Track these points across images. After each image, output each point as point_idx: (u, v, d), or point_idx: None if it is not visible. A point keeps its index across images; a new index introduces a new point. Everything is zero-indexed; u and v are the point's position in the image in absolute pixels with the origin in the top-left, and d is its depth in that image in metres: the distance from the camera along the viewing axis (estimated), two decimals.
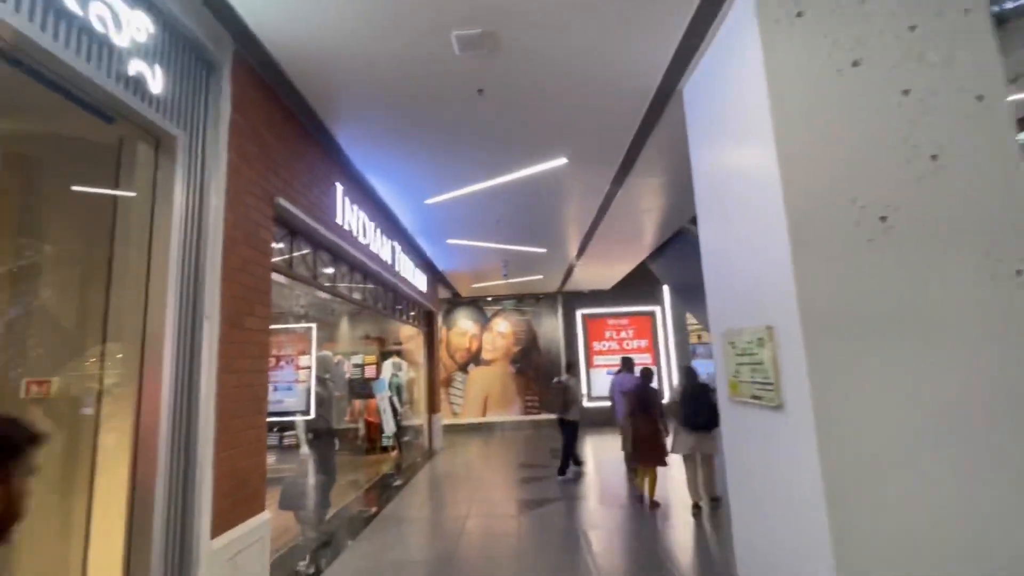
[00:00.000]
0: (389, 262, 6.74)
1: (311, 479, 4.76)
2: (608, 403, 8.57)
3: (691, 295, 7.82)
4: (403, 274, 7.53)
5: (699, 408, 5.11)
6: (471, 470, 7.97)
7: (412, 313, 9.19)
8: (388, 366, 9.58)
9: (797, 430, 2.30)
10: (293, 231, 4.18)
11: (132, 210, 2.59)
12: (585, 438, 10.71)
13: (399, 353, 10.40)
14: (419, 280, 8.81)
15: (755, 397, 2.67)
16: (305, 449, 4.75)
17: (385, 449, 8.66)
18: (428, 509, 5.92)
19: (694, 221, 8.08)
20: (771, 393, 2.49)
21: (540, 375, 13.37)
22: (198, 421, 2.66)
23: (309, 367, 10.02)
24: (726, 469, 3.16)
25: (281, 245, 4.11)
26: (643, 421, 5.70)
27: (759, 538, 2.78)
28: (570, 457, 7.32)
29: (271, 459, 7.34)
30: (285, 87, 3.67)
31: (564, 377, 7.79)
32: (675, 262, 8.48)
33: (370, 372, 10.13)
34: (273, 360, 9.81)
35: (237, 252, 3.09)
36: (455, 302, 13.64)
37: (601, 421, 12.35)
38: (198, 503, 2.60)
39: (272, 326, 7.47)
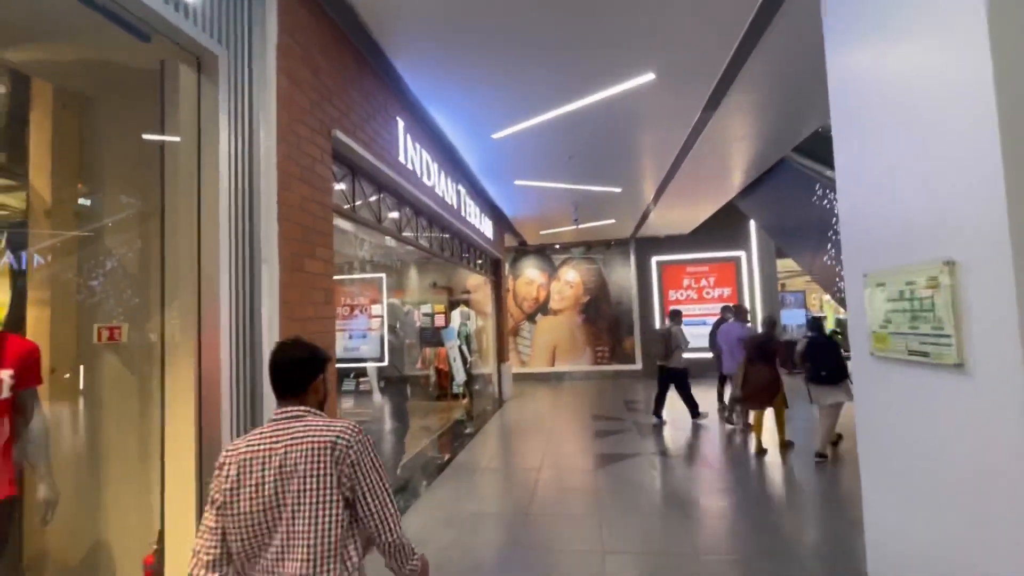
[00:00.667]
0: (455, 206, 6.44)
1: (386, 425, 4.75)
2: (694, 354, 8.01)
3: (790, 236, 6.93)
4: (469, 219, 7.23)
5: (824, 361, 4.94)
6: (542, 420, 7.86)
7: (479, 261, 8.97)
8: (456, 315, 9.53)
9: (988, 397, 1.75)
10: (353, 169, 3.92)
11: (179, 140, 2.38)
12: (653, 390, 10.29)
13: (467, 302, 10.32)
14: (485, 226, 8.50)
15: (916, 353, 2.11)
16: (378, 396, 4.72)
17: (456, 396, 8.74)
18: (500, 459, 5.84)
19: (798, 150, 7.10)
20: (947, 348, 1.92)
21: (610, 325, 12.93)
22: (262, 371, 2.53)
23: (381, 316, 10.25)
24: (858, 441, 2.64)
25: (343, 187, 3.88)
26: (761, 369, 5.63)
27: (911, 534, 2.28)
28: (663, 402, 7.39)
29: (347, 404, 7.65)
30: (336, 4, 3.29)
31: (667, 324, 7.44)
32: (772, 199, 7.52)
33: (439, 321, 10.17)
34: (348, 309, 10.11)
35: (293, 188, 2.86)
36: (522, 250, 13.31)
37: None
38: None
39: (341, 276, 7.56)
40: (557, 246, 13.18)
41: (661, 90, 4.57)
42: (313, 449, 1.34)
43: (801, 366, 5.23)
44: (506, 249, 12.71)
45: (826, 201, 5.68)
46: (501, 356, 10.01)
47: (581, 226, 10.23)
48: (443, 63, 4.11)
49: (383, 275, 8.30)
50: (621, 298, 13.00)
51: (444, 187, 5.95)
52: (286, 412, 1.43)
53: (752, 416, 5.86)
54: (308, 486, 1.32)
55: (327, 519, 1.32)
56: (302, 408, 1.44)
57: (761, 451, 5.58)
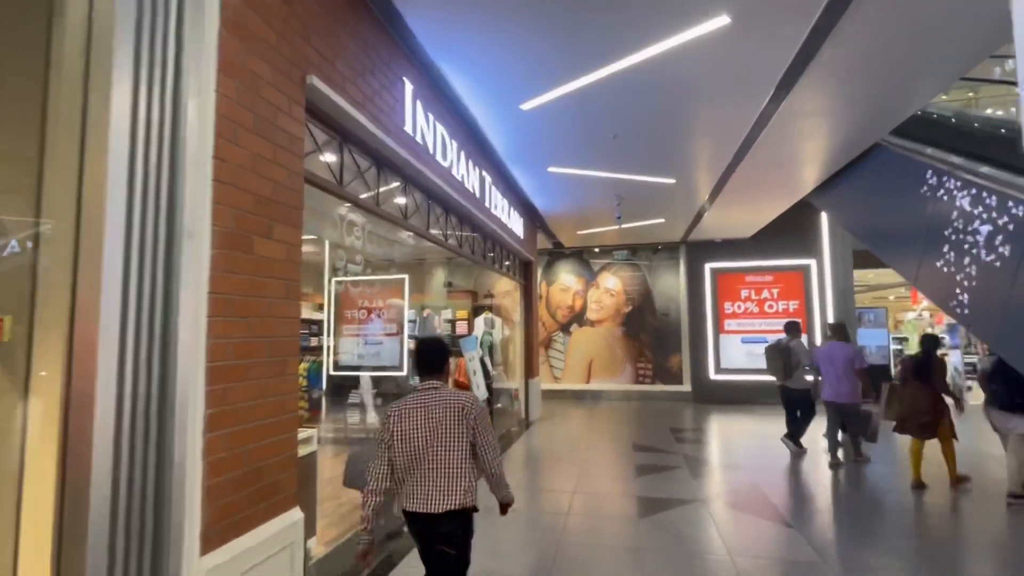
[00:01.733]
0: (477, 195, 5.76)
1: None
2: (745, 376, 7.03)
3: (887, 238, 5.91)
4: (495, 212, 6.55)
5: (1014, 385, 4.54)
6: (573, 447, 7.03)
7: (507, 262, 8.27)
8: (479, 323, 8.84)
9: None
10: (343, 134, 3.29)
11: (64, 57, 1.77)
12: (711, 415, 9.28)
13: (492, 308, 9.63)
14: (515, 223, 7.80)
15: None
16: (372, 415, 4.06)
17: None
18: (521, 497, 5.06)
19: (897, 132, 6.04)
20: None
21: (655, 340, 11.96)
22: (174, 385, 1.88)
23: (399, 320, 9.66)
24: None
25: (331, 158, 3.26)
26: (918, 391, 5.18)
27: None
28: (802, 428, 6.63)
29: (343, 422, 7.06)
30: None
31: (784, 338, 6.74)
32: (862, 193, 6.50)
33: (462, 328, 9.52)
34: (365, 312, 9.57)
35: (242, 143, 2.22)
36: (557, 253, 12.54)
37: (733, 397, 10.76)
38: (174, 507, 1.84)
39: (360, 277, 6.99)
40: (597, 249, 12.35)
41: (735, 40, 3.75)
42: (450, 408, 2.27)
43: (985, 389, 4.91)
44: (539, 251, 11.99)
45: (942, 192, 4.68)
46: (529, 370, 9.25)
47: (624, 226, 9.38)
48: (461, 9, 3.44)
49: (405, 276, 7.74)
50: (668, 309, 12.03)
51: (464, 171, 5.29)
52: (430, 384, 2.36)
53: (909, 444, 5.35)
54: (448, 431, 2.24)
55: (460, 451, 2.24)
56: (439, 382, 2.38)
57: (919, 485, 5.10)
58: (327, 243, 8.81)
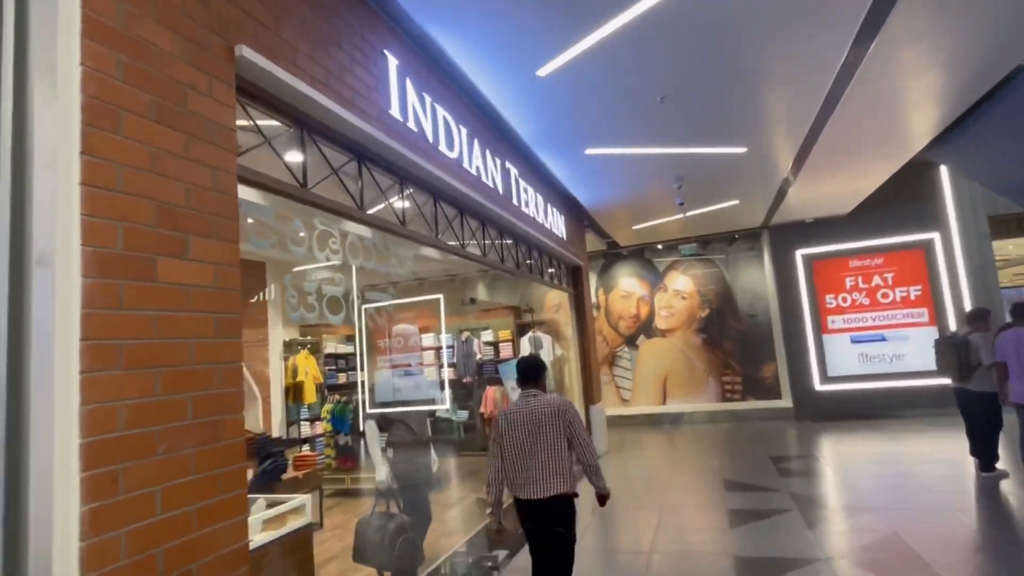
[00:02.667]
0: (500, 190, 5.26)
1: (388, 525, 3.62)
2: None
3: None
4: (526, 210, 6.02)
5: None
6: (649, 488, 6.29)
7: (550, 270, 7.70)
8: (524, 343, 8.30)
9: None
10: (300, 121, 2.87)
11: None
12: (821, 437, 8.22)
13: (537, 325, 9.06)
14: (555, 222, 7.25)
15: None
16: (383, 472, 3.59)
17: None
18: (585, 561, 4.42)
19: None
20: None
21: (742, 347, 10.96)
22: (26, 479, 1.45)
23: (437, 348, 9.30)
24: None
25: (299, 157, 2.86)
26: None
27: None
28: (992, 447, 5.64)
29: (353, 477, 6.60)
30: None
31: (963, 331, 5.90)
32: (1004, 133, 5.49)
33: (506, 351, 9.02)
34: (399, 340, 9.29)
35: (132, 134, 1.81)
36: (613, 255, 11.84)
37: (848, 411, 9.59)
38: None
39: (390, 302, 6.68)
40: (660, 246, 11.55)
41: None
42: (548, 412, 2.91)
43: None
44: (591, 255, 11.34)
45: None
46: (589, 395, 8.57)
47: (689, 213, 8.61)
48: None
49: (440, 296, 7.39)
50: (755, 309, 11.01)
51: (480, 162, 4.81)
52: (529, 392, 3.10)
53: None
54: (548, 431, 2.88)
55: (560, 449, 2.89)
56: (537, 390, 3.10)
57: None
58: (354, 267, 8.65)
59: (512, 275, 6.38)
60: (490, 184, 5.01)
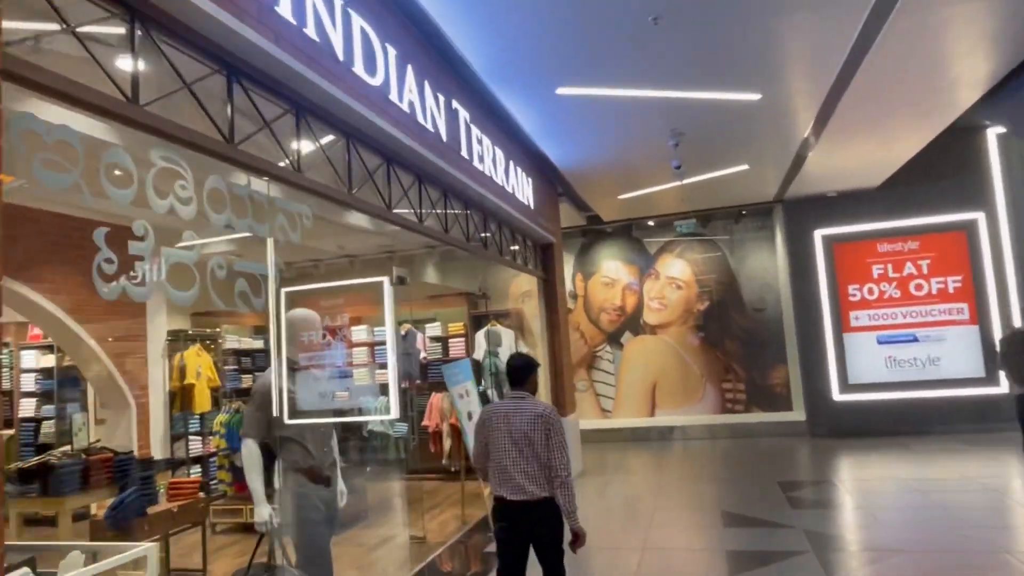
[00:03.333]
0: (444, 137, 4.78)
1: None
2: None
3: None
4: (480, 167, 5.56)
5: None
6: (630, 522, 5.95)
7: (514, 247, 7.27)
8: (479, 338, 7.88)
9: None
10: (130, 10, 2.33)
11: None
12: (840, 458, 8.04)
13: (500, 316, 8.63)
14: (520, 186, 6.81)
15: None
16: (262, 510, 3.11)
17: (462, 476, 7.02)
18: None
19: None
20: None
21: (746, 347, 10.76)
22: None
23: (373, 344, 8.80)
24: None
25: (129, 64, 2.33)
26: None
27: None
28: None
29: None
30: None
31: None
32: None
33: (457, 349, 8.59)
34: (324, 334, 8.75)
35: None
36: (595, 232, 11.48)
37: (872, 427, 9.47)
38: None
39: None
40: (651, 223, 11.22)
41: None
42: (531, 416, 3.24)
43: None
44: (567, 231, 10.96)
45: None
46: (560, 405, 8.20)
47: (688, 181, 8.26)
48: None
49: (384, 279, 6.90)
50: (763, 302, 10.82)
51: (415, 97, 4.32)
52: (516, 394, 3.44)
53: None
54: (534, 437, 3.21)
55: (536, 453, 3.21)
56: (524, 392, 3.43)
57: None
58: (269, 241, 8.04)
59: (461, 250, 5.92)
60: (429, 127, 4.52)
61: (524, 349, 8.55)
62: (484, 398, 6.83)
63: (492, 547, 5.51)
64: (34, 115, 1.95)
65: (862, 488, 6.74)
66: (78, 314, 6.25)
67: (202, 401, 7.49)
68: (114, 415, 6.88)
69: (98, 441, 6.49)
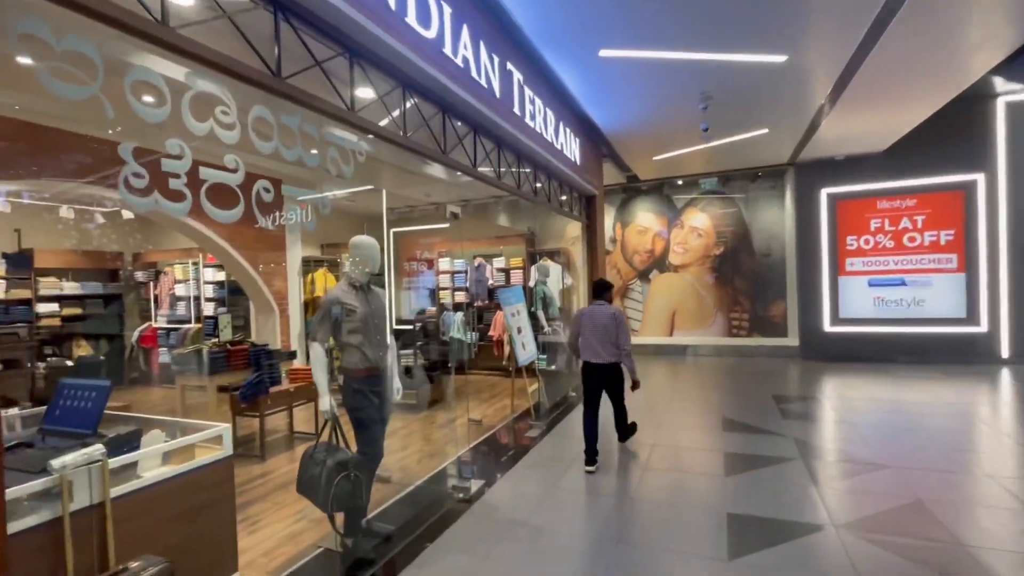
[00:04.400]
0: (498, 94, 4.04)
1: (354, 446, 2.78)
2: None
3: None
4: (532, 124, 4.78)
5: None
6: (644, 426, 5.35)
7: (563, 197, 6.50)
8: (533, 271, 7.25)
9: None
10: None
11: None
12: (827, 377, 7.04)
13: (551, 255, 7.96)
14: (568, 144, 5.96)
15: None
16: (326, 405, 2.71)
17: (518, 373, 6.54)
18: (560, 503, 3.56)
19: None
20: None
21: (753, 286, 9.63)
22: None
23: (458, 271, 8.33)
24: None
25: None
26: None
27: None
28: None
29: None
30: None
31: None
32: None
33: (517, 278, 8.00)
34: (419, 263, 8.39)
35: None
36: (633, 189, 10.40)
37: (856, 354, 8.32)
38: None
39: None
40: (680, 182, 10.03)
41: None
42: (608, 314, 4.01)
43: None
44: (611, 188, 9.97)
45: None
46: None
47: (714, 143, 7.13)
48: None
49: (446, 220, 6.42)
50: (770, 249, 9.56)
51: (469, 53, 3.59)
52: (598, 302, 4.15)
53: None
54: (605, 325, 3.99)
55: (611, 335, 3.99)
56: (603, 300, 4.16)
57: None
58: (383, 192, 7.62)
59: (516, 197, 5.23)
60: (483, 83, 3.79)
61: (568, 281, 7.89)
62: (532, 317, 6.28)
63: (533, 431, 5.08)
64: (43, 20, 1.42)
65: (848, 406, 5.80)
66: (236, 244, 6.09)
67: None
68: (264, 318, 6.81)
69: (241, 336, 6.44)
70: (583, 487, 3.74)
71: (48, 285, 7.14)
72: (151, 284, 8.12)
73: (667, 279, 10.27)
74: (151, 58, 1.81)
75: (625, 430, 4.53)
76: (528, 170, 5.23)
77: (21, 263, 6.96)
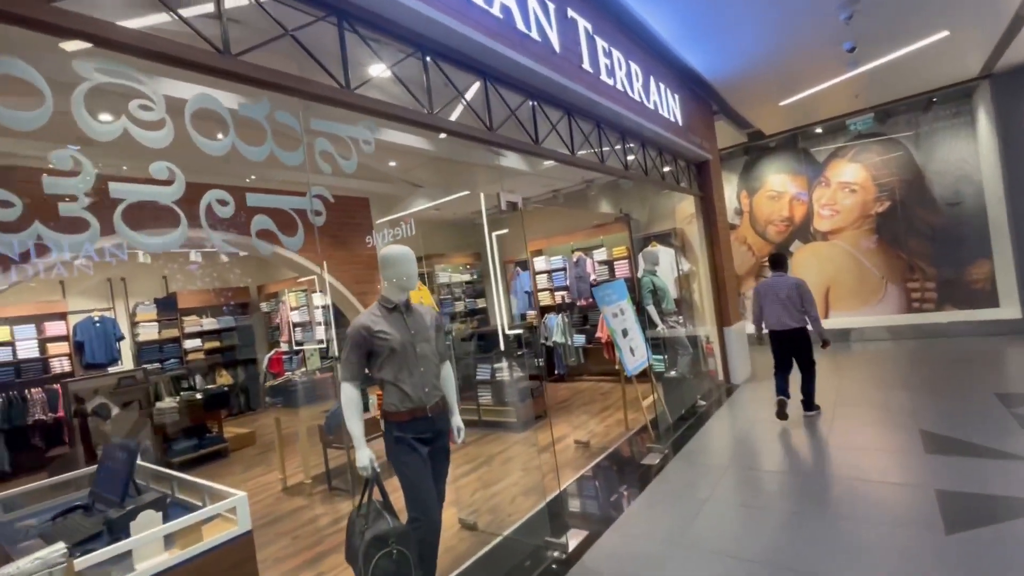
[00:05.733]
0: (558, 48, 3.24)
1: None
2: None
3: None
4: (610, 81, 3.88)
5: None
6: (800, 440, 4.10)
7: (665, 169, 5.43)
8: (640, 260, 6.24)
9: None
10: None
11: None
12: None
13: (661, 238, 6.85)
14: (664, 103, 4.92)
15: None
16: (365, 460, 2.18)
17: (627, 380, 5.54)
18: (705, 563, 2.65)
19: None
20: None
21: (935, 244, 7.46)
22: None
23: (557, 269, 7.64)
24: None
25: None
26: None
27: None
28: None
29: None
30: None
31: None
32: None
33: (622, 270, 7.05)
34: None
35: None
36: (757, 148, 8.74)
37: None
38: None
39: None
40: (818, 129, 8.16)
41: None
42: (790, 284, 4.33)
43: None
44: (727, 152, 8.47)
45: None
46: (722, 317, 6.29)
47: (863, 68, 5.47)
48: None
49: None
50: (959, 195, 7.32)
51: (510, 1, 2.85)
52: (777, 273, 4.48)
53: None
54: (789, 295, 4.32)
55: (794, 302, 4.32)
56: (782, 272, 4.48)
57: None
58: (481, 195, 7.28)
59: (601, 174, 4.37)
60: (534, 36, 3.03)
61: (685, 267, 6.71)
62: (642, 313, 5.31)
63: (652, 456, 4.16)
64: None
65: None
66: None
67: None
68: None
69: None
70: (721, 539, 2.77)
71: (191, 323, 7.89)
72: (273, 313, 8.65)
73: (814, 250, 8.44)
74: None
75: (810, 397, 4.53)
76: (619, 147, 4.32)
77: (169, 306, 7.77)
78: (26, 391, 6.04)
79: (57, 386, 6.12)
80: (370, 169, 5.91)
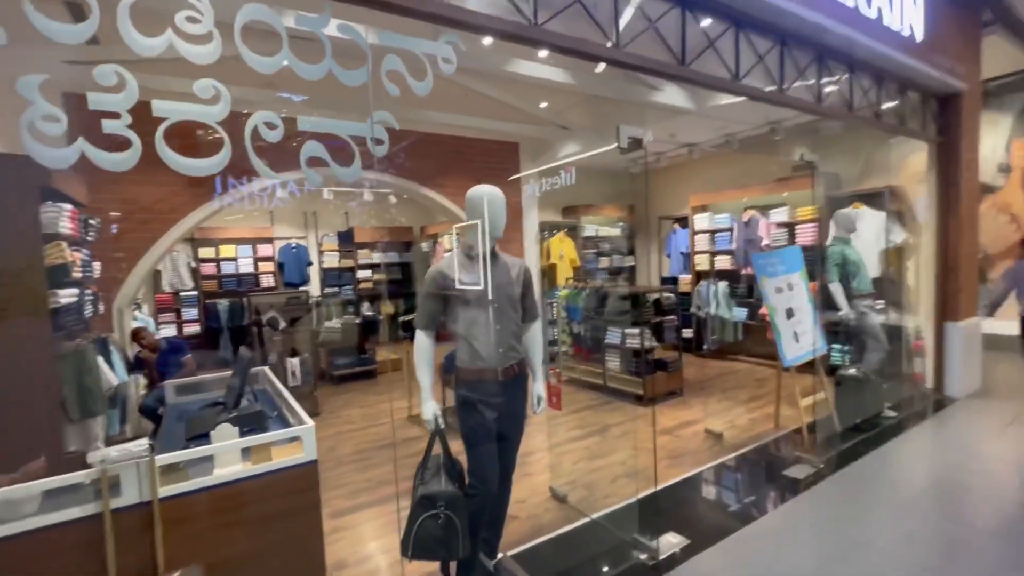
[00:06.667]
0: None
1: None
2: None
3: None
4: None
5: None
6: None
7: (884, 106, 4.08)
8: (832, 224, 4.97)
9: None
10: None
11: None
12: None
13: (867, 198, 5.34)
14: (888, 6, 3.61)
15: None
16: (430, 413, 2.06)
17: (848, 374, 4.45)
18: None
19: None
20: None
21: None
22: None
23: (722, 229, 6.73)
24: None
25: None
26: None
27: None
28: None
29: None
30: None
31: None
32: None
33: (804, 236, 5.79)
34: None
35: None
36: None
37: None
38: None
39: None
40: None
41: None
42: None
43: None
44: (1003, 82, 6.16)
45: None
46: (945, 308, 4.72)
47: None
48: None
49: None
50: None
51: None
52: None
53: None
54: None
55: None
56: None
57: None
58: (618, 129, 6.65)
59: (785, 107, 3.43)
60: None
61: (899, 237, 5.18)
62: (824, 292, 4.26)
63: (800, 467, 3.35)
64: None
65: None
66: None
67: (562, 277, 6.85)
68: None
69: None
70: None
71: (363, 256, 8.90)
72: (430, 253, 9.28)
73: None
74: None
75: None
76: (803, 61, 3.30)
77: (347, 239, 8.84)
78: (242, 299, 7.52)
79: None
80: (518, 111, 5.65)
